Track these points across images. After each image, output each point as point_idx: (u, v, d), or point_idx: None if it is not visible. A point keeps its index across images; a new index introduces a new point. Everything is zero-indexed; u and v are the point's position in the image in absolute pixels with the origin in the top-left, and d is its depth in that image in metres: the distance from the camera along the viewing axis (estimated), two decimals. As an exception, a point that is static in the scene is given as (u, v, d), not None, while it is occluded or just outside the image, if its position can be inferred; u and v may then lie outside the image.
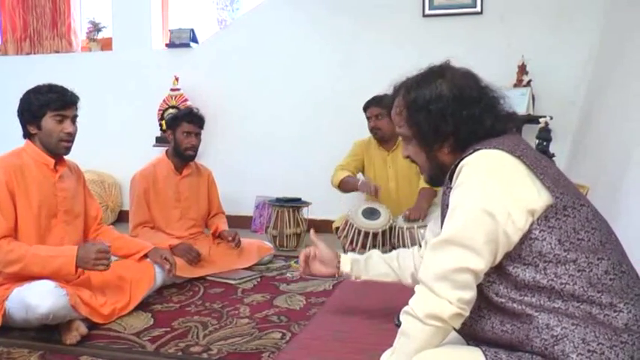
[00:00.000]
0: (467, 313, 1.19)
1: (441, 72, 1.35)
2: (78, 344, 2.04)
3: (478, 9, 3.83)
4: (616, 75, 3.17)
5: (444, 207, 1.29)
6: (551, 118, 2.86)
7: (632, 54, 2.97)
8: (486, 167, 1.21)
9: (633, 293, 1.14)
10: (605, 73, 3.36)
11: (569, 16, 3.72)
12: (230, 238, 3.16)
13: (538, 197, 1.17)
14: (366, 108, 3.46)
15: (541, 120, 2.71)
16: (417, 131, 1.34)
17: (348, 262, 1.81)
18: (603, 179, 2.76)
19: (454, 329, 1.23)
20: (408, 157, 1.43)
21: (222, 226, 3.33)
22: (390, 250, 3.15)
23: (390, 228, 3.17)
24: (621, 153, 2.67)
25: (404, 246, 3.07)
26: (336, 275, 1.80)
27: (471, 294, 1.17)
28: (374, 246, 3.14)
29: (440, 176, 1.38)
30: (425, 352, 1.19)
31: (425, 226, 3.02)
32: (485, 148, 1.23)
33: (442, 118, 1.29)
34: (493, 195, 1.17)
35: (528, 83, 3.55)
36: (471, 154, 1.23)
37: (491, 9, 3.84)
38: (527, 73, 3.58)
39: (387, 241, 3.17)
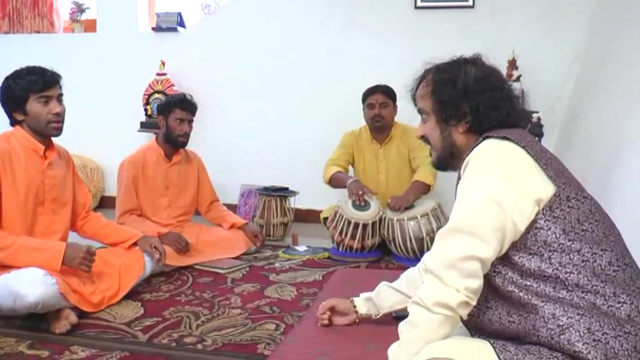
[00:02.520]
0: (474, 302, 1.21)
1: (471, 60, 1.41)
2: (68, 333, 2.00)
3: (470, 3, 3.84)
4: (603, 73, 3.21)
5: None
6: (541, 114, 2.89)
7: (619, 53, 3.01)
8: (493, 157, 1.24)
9: (635, 286, 1.17)
10: (593, 70, 3.40)
11: (558, 14, 3.75)
12: (258, 244, 3.28)
13: (543, 187, 1.20)
14: (368, 94, 3.37)
15: (533, 115, 2.73)
16: (439, 103, 1.37)
17: (362, 304, 1.82)
18: (591, 176, 2.80)
19: (461, 320, 1.24)
20: (422, 136, 1.46)
21: (234, 218, 3.36)
22: (381, 242, 3.21)
23: (380, 219, 3.17)
24: (608, 151, 2.71)
25: (393, 238, 3.08)
26: (357, 320, 1.82)
27: (478, 283, 1.19)
28: (363, 237, 3.15)
29: (448, 159, 1.41)
30: (433, 343, 1.20)
31: (415, 218, 3.03)
32: (494, 137, 1.26)
33: (465, 94, 1.34)
34: (500, 184, 1.20)
35: (518, 78, 3.57)
36: (479, 143, 1.27)
37: (483, 3, 3.85)
38: (517, 68, 3.61)
39: (377, 232, 3.17)
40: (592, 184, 2.73)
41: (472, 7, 3.85)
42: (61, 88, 2.28)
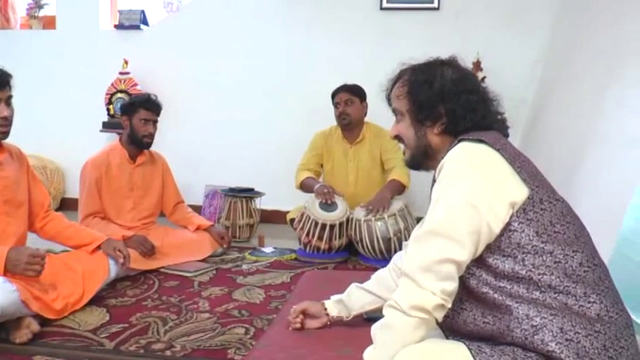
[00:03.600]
0: (449, 305, 1.21)
1: (447, 62, 1.42)
2: (29, 343, 1.92)
3: (435, 5, 3.88)
4: (566, 75, 3.28)
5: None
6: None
7: (581, 54, 3.08)
8: (468, 161, 1.25)
9: (604, 285, 1.20)
10: (556, 72, 3.48)
11: (522, 16, 3.83)
12: (225, 245, 3.25)
13: (518, 190, 1.22)
14: (335, 94, 3.44)
15: (499, 117, 2.76)
16: (415, 104, 1.38)
17: (333, 306, 1.81)
18: (553, 176, 2.85)
19: (436, 322, 1.24)
20: (396, 136, 1.46)
21: (200, 220, 3.31)
22: (348, 242, 3.21)
23: (347, 220, 3.17)
24: (570, 151, 2.77)
25: (361, 239, 3.08)
26: (329, 322, 1.80)
27: (453, 285, 1.20)
28: (331, 238, 3.14)
29: (421, 159, 1.42)
30: (410, 346, 1.20)
31: (383, 218, 3.04)
32: (469, 140, 1.27)
33: (441, 95, 1.34)
34: (476, 187, 1.21)
35: (482, 80, 3.63)
36: (454, 146, 1.28)
37: (448, 5, 3.90)
38: (481, 69, 3.66)
39: (344, 233, 3.17)
40: (554, 184, 2.78)
41: (437, 8, 3.89)
42: (10, 89, 2.14)
